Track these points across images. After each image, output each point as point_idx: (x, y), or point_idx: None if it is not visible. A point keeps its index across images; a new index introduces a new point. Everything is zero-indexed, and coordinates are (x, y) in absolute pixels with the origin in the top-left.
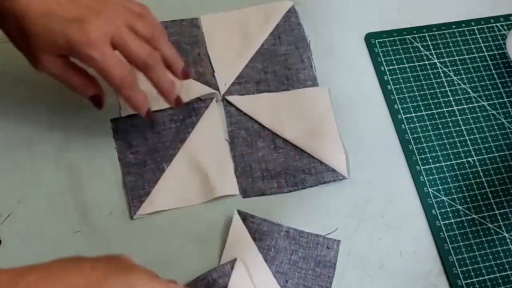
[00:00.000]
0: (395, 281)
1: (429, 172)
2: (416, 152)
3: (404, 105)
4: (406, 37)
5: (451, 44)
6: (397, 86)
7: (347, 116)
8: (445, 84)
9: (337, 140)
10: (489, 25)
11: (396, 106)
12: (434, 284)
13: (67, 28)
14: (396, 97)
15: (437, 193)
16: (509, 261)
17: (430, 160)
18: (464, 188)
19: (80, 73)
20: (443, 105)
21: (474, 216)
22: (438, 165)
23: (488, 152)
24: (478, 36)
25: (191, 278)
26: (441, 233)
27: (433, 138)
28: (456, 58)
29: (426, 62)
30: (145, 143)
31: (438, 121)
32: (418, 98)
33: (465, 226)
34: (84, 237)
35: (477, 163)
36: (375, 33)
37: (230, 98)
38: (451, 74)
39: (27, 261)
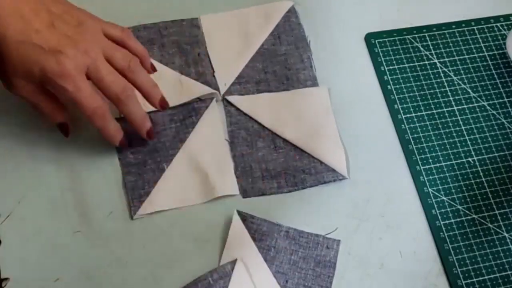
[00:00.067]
0: (395, 281)
1: (429, 172)
2: (416, 152)
3: (404, 105)
4: (406, 37)
5: (451, 44)
6: (397, 86)
7: (347, 116)
8: (445, 84)
9: (337, 140)
10: (489, 25)
11: (396, 106)
12: (434, 284)
13: (43, 59)
14: (396, 97)
15: (437, 193)
16: (509, 261)
17: (430, 160)
18: (464, 188)
19: (51, 99)
20: (443, 105)
21: (474, 216)
22: (438, 165)
23: (488, 152)
24: (478, 36)
25: (191, 278)
26: (441, 233)
27: (433, 138)
28: (456, 58)
29: (426, 62)
30: (145, 143)
31: (438, 121)
32: (418, 98)
33: (465, 226)
34: (84, 237)
35: (477, 163)
36: (375, 33)
37: (230, 98)
38: (451, 74)
39: (27, 261)
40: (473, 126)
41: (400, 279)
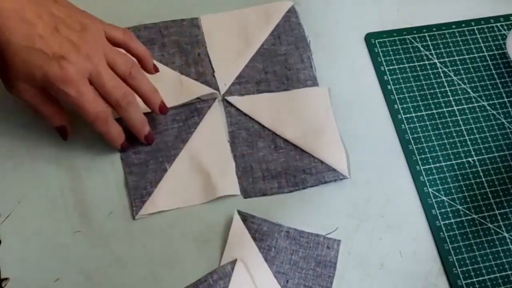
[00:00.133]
0: (395, 281)
1: (429, 172)
2: (416, 152)
3: (404, 105)
4: (406, 37)
5: (451, 44)
6: (397, 86)
7: (347, 116)
8: (445, 84)
9: (338, 140)
10: (489, 25)
11: (396, 106)
12: (434, 284)
13: (46, 64)
14: (396, 97)
15: (437, 193)
16: (509, 261)
17: (430, 160)
18: (464, 188)
19: (51, 103)
20: (443, 105)
21: (474, 216)
22: (438, 165)
23: (488, 152)
24: (478, 36)
25: (191, 278)
26: (441, 233)
27: (433, 138)
28: (456, 58)
29: (426, 62)
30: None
31: (438, 121)
32: (418, 98)
33: (465, 226)
34: (84, 237)
35: (477, 163)
36: (375, 33)
37: (230, 98)
38: (451, 74)
39: (27, 261)
40: (473, 126)
41: (400, 279)
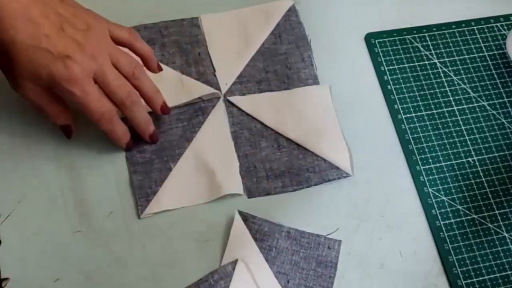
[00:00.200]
0: (395, 281)
1: (429, 172)
2: (416, 152)
3: (404, 105)
4: (406, 37)
5: (451, 44)
6: (397, 86)
7: (347, 116)
8: (445, 84)
9: (340, 138)
10: (489, 25)
11: (396, 106)
12: (434, 284)
13: (52, 63)
14: (396, 97)
15: (437, 193)
16: (509, 261)
17: (430, 160)
18: (464, 188)
19: (56, 101)
20: (443, 105)
21: (474, 216)
22: (438, 165)
23: (488, 152)
24: (478, 36)
25: (191, 278)
26: (441, 233)
27: (433, 138)
28: (456, 58)
29: (426, 62)
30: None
31: (438, 121)
32: (418, 98)
33: (465, 226)
34: (84, 237)
35: (477, 163)
36: (375, 33)
37: (232, 98)
38: (451, 74)
39: (27, 261)
40: (473, 126)
41: (400, 279)
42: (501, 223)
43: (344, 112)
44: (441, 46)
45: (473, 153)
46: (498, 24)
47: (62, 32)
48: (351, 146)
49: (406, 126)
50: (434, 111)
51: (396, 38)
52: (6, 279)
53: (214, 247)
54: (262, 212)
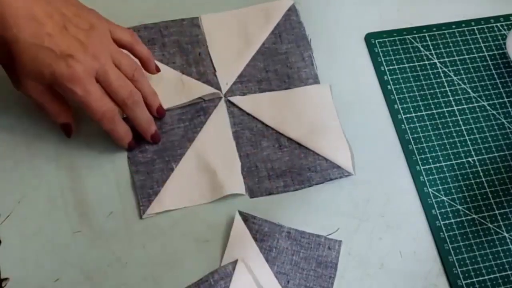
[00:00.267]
0: (395, 281)
1: (429, 172)
2: (416, 152)
3: (404, 105)
4: (406, 37)
5: (451, 44)
6: (397, 86)
7: (347, 116)
8: (445, 84)
9: (341, 137)
10: (489, 25)
11: (396, 106)
12: (434, 284)
13: (54, 62)
14: (396, 97)
15: (437, 193)
16: (509, 261)
17: (430, 160)
18: (464, 188)
19: (57, 100)
20: (443, 105)
21: (474, 216)
22: (438, 165)
23: (488, 152)
24: (478, 36)
25: (191, 278)
26: (441, 233)
27: (433, 138)
28: (456, 58)
29: (426, 62)
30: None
31: (438, 121)
32: (418, 98)
33: (465, 226)
34: (84, 237)
35: (477, 163)
36: (375, 33)
37: (233, 98)
38: (451, 74)
39: (27, 261)
40: (473, 126)
41: (400, 279)
42: (501, 223)
43: (344, 112)
44: (441, 46)
45: (473, 153)
46: (498, 24)
47: (65, 31)
48: (351, 146)
49: (406, 126)
50: (434, 111)
51: (396, 38)
52: (6, 279)
53: (214, 247)
54: (263, 212)
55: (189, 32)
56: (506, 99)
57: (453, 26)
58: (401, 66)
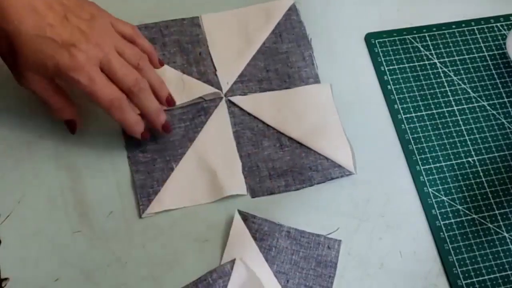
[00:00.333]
0: (395, 281)
1: (429, 172)
2: (416, 152)
3: (404, 105)
4: (406, 37)
5: (451, 44)
6: (397, 86)
7: (347, 116)
8: (445, 84)
9: (342, 136)
10: (489, 25)
11: (396, 106)
12: (434, 284)
13: (57, 52)
14: (396, 97)
15: (437, 193)
16: (509, 261)
17: (430, 160)
18: (464, 188)
19: (61, 96)
20: (443, 105)
21: (474, 216)
22: (438, 165)
23: (488, 152)
24: (478, 36)
25: (191, 278)
26: (441, 233)
27: (433, 138)
28: (456, 58)
29: (426, 62)
30: (154, 141)
31: (438, 121)
32: (418, 98)
33: (465, 226)
34: (84, 237)
35: (477, 163)
36: (375, 33)
37: (233, 98)
38: (451, 74)
39: (27, 261)
40: (473, 126)
41: (400, 279)
42: (501, 223)
43: (344, 112)
44: (441, 46)
45: (473, 153)
46: (498, 24)
47: (66, 21)
48: (351, 145)
49: (406, 126)
50: (434, 111)
51: (396, 38)
52: (6, 279)
53: (214, 247)
54: (263, 211)
55: (190, 31)
56: (506, 99)
57: (453, 26)
58: (401, 66)
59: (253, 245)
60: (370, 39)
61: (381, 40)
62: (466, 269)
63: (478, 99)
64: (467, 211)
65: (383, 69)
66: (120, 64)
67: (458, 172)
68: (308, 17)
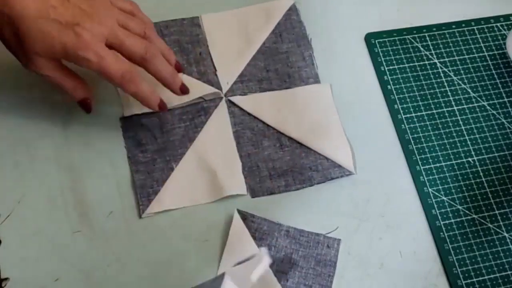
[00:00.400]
0: (395, 281)
1: (429, 172)
2: (416, 152)
3: (404, 105)
4: (406, 37)
5: (451, 44)
6: (397, 86)
7: (347, 116)
8: (445, 84)
9: (342, 136)
10: (489, 25)
11: (396, 106)
12: (434, 284)
13: (62, 33)
14: (396, 97)
15: (437, 193)
16: (509, 261)
17: (430, 160)
18: (464, 188)
19: (72, 75)
20: (443, 105)
21: (474, 216)
22: (438, 165)
23: (488, 152)
24: (478, 36)
25: (191, 278)
26: (441, 233)
27: (433, 138)
28: (456, 58)
29: (426, 62)
30: (154, 141)
31: (438, 121)
32: (418, 98)
33: (465, 226)
34: (84, 237)
35: (477, 163)
36: (375, 33)
37: (233, 98)
38: (451, 74)
39: (27, 261)
40: (473, 126)
41: (400, 279)
42: (501, 223)
43: (344, 112)
44: (441, 46)
45: (473, 153)
46: (498, 24)
47: (67, 2)
48: (351, 145)
49: (406, 126)
50: (434, 111)
51: (396, 38)
52: (6, 279)
53: (213, 247)
54: (263, 211)
55: (190, 31)
56: (506, 99)
57: (453, 26)
58: (401, 66)
59: (252, 244)
60: (370, 39)
61: (381, 40)
62: (466, 269)
63: (478, 99)
64: (467, 211)
65: (383, 69)
66: (126, 35)
67: (458, 172)
68: (308, 17)
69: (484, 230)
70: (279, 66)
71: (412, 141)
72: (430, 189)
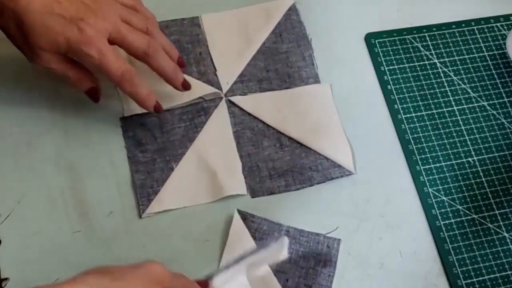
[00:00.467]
0: (395, 281)
1: (429, 172)
2: (416, 152)
3: (404, 105)
4: (406, 37)
5: (451, 44)
6: (397, 86)
7: (347, 116)
8: (445, 84)
9: (342, 136)
10: (489, 25)
11: (396, 106)
12: (434, 284)
13: (66, 28)
14: (396, 97)
15: (437, 193)
16: (509, 261)
17: (430, 160)
18: (464, 188)
19: (78, 67)
20: (443, 105)
21: (474, 216)
22: (438, 165)
23: (488, 152)
24: (478, 36)
25: (191, 278)
26: (441, 233)
27: (433, 138)
28: (456, 58)
29: (426, 62)
30: (154, 141)
31: (438, 121)
32: (418, 98)
33: (465, 226)
34: (84, 237)
35: (477, 163)
36: (375, 33)
37: (233, 98)
38: (451, 74)
39: (27, 261)
40: (473, 126)
41: (400, 279)
42: (501, 223)
43: (344, 112)
44: (441, 46)
45: (473, 153)
46: (498, 24)
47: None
48: (351, 145)
49: (406, 126)
50: (434, 111)
51: (396, 38)
52: (6, 279)
53: (213, 247)
54: (263, 211)
55: (190, 31)
56: (506, 99)
57: (453, 26)
58: (401, 66)
59: (252, 244)
60: (370, 39)
61: (381, 40)
62: (466, 269)
63: (478, 99)
64: (467, 211)
65: (383, 69)
66: (128, 30)
67: (458, 172)
68: (308, 17)
69: (484, 230)
70: (279, 66)
71: (412, 141)
72: (430, 189)
